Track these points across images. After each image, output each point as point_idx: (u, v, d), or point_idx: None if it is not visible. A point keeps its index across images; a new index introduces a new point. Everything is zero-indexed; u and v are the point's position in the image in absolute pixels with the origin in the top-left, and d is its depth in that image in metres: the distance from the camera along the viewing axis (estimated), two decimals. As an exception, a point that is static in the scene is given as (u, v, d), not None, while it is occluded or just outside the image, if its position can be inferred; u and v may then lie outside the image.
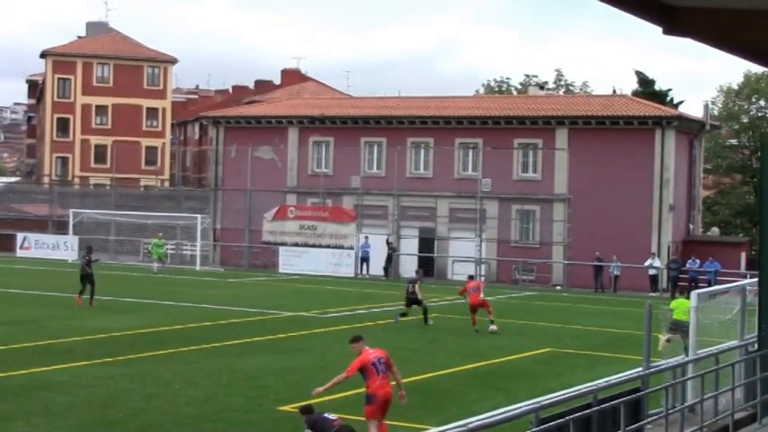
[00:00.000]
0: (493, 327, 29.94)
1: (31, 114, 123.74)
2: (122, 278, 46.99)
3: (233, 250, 59.38)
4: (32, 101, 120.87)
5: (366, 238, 53.92)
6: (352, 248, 53.88)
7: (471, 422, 13.15)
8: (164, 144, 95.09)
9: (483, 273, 52.63)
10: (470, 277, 35.74)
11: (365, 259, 53.62)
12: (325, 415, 13.59)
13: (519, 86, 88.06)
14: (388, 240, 54.31)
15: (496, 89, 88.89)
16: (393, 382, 15.02)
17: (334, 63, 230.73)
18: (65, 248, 57.89)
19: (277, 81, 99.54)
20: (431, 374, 22.30)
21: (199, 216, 57.87)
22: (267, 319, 32.34)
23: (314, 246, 54.78)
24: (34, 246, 59.77)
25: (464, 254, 53.69)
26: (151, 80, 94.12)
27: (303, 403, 14.63)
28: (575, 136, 53.05)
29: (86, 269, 33.97)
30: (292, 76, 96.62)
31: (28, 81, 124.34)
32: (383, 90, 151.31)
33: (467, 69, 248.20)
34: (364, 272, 53.54)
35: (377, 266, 53.48)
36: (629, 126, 52.17)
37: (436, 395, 20.06)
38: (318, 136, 59.13)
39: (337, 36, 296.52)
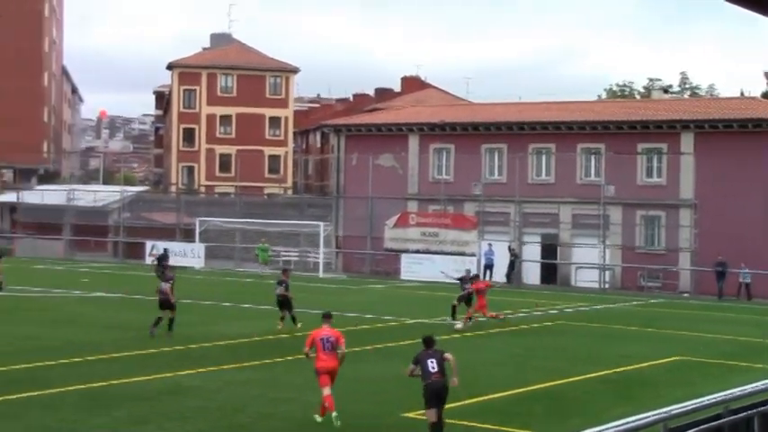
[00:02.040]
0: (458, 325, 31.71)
1: (159, 125, 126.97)
2: (247, 285, 47.80)
3: (355, 257, 59.84)
4: (160, 112, 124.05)
5: (490, 245, 53.70)
6: (473, 255, 53.72)
7: (597, 431, 12.97)
8: (286, 153, 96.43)
9: (607, 280, 51.96)
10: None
11: (489, 266, 53.37)
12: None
13: (642, 90, 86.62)
14: (510, 247, 53.99)
15: (619, 93, 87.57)
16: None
17: (454, 69, 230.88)
18: (192, 256, 59.18)
19: (397, 89, 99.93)
20: (555, 382, 22.10)
21: (321, 224, 58.47)
22: (390, 326, 32.50)
23: (435, 253, 54.79)
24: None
25: (587, 260, 53.06)
26: (273, 90, 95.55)
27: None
28: (701, 140, 51.91)
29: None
30: (413, 84, 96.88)
31: (155, 93, 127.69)
32: (503, 96, 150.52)
33: (588, 74, 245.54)
34: (487, 278, 53.28)
35: (500, 273, 53.22)
36: (758, 129, 50.81)
37: (561, 403, 19.87)
38: (439, 143, 59.19)
39: (457, 42, 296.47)
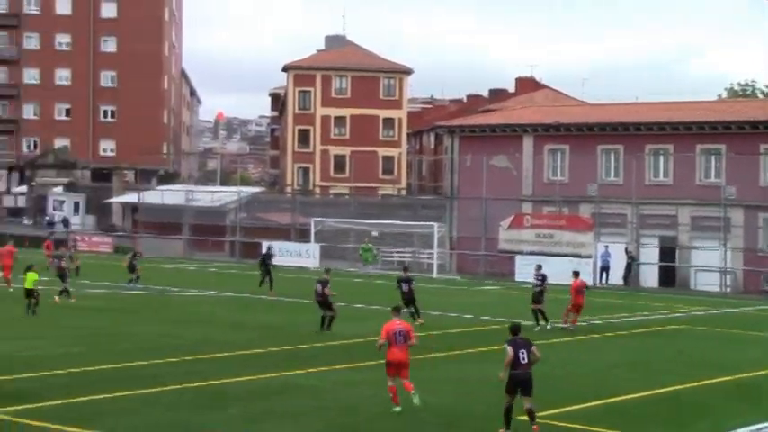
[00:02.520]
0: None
1: (274, 126, 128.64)
2: (362, 285, 47.97)
3: (469, 258, 59.54)
4: (275, 113, 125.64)
5: (606, 247, 52.85)
6: (589, 257, 52.92)
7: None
8: (400, 154, 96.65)
9: (729, 283, 50.62)
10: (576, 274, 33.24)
11: (605, 268, 52.52)
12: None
13: (765, 89, 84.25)
14: (627, 249, 53.03)
15: (740, 93, 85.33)
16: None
17: (568, 70, 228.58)
18: (306, 256, 59.67)
19: (511, 89, 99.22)
20: (679, 386, 21.57)
21: (435, 224, 58.33)
22: (505, 327, 32.11)
23: (551, 254, 54.13)
24: (278, 253, 61.89)
25: (708, 263, 51.78)
26: (387, 91, 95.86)
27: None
28: (827, 139, 50.18)
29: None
30: (527, 84, 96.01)
31: (271, 94, 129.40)
32: (619, 96, 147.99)
33: (705, 74, 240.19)
34: (603, 281, 52.48)
35: (616, 276, 52.33)
36: None
37: (685, 408, 19.39)
38: (554, 144, 58.51)
39: (572, 43, 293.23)
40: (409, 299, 31.62)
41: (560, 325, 31.53)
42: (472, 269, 58.16)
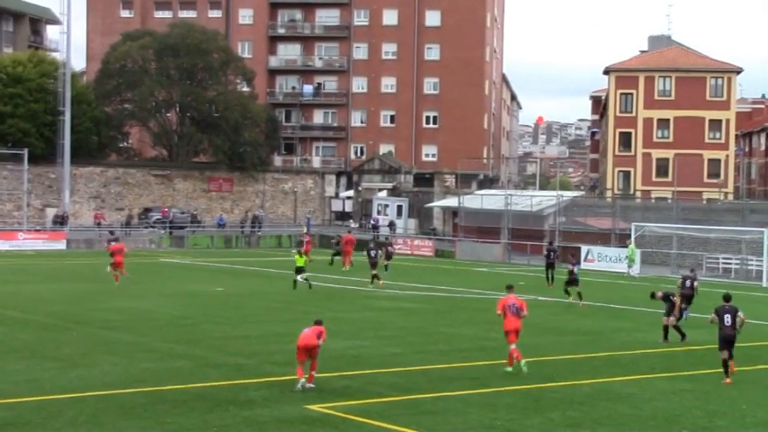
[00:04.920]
0: None
1: (595, 130, 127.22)
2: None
3: (802, 267, 56.02)
4: (596, 116, 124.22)
5: None
6: None
7: None
8: (727, 156, 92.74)
9: None
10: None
11: None
12: None
13: None
14: None
15: None
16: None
17: None
18: (625, 261, 58.45)
19: None
20: None
21: (765, 230, 55.40)
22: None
23: None
24: (597, 258, 61.19)
25: None
26: (714, 91, 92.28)
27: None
28: None
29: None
30: None
31: (592, 97, 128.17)
32: None
33: None
34: None
35: None
36: None
37: None
38: None
39: None
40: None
41: None
42: (805, 278, 54.70)
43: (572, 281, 38.52)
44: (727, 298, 22.07)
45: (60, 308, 33.48)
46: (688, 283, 32.50)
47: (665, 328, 28.19)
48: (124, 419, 17.03)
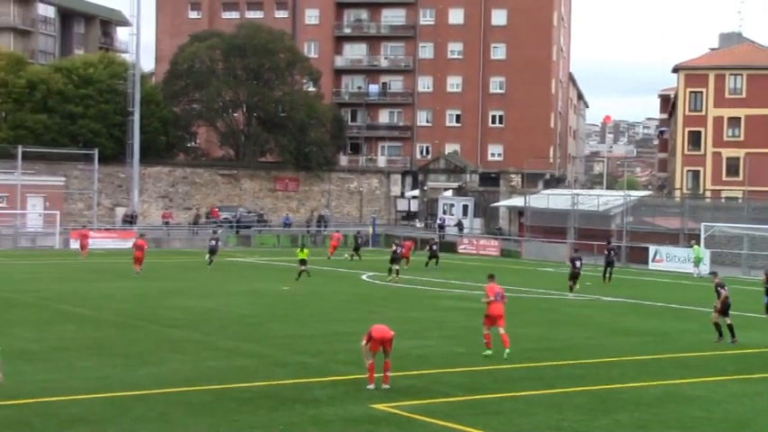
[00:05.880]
0: None
1: (663, 129, 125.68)
2: (754, 294, 45.65)
3: None
4: (664, 115, 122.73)
5: None
6: None
7: None
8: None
9: None
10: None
11: None
12: None
13: None
14: None
15: None
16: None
17: None
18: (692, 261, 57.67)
19: None
20: None
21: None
22: None
23: None
24: (665, 259, 60.47)
25: None
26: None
27: None
28: None
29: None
30: None
31: (660, 96, 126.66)
32: None
33: None
34: None
35: None
36: None
37: None
38: None
39: None
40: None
41: None
42: None
43: (575, 274, 41.67)
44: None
45: (128, 306, 33.94)
46: None
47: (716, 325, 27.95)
48: (192, 417, 17.18)
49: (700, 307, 36.25)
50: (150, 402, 18.11)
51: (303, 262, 45.63)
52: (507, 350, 23.66)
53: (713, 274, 30.35)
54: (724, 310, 27.88)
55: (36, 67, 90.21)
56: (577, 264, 42.08)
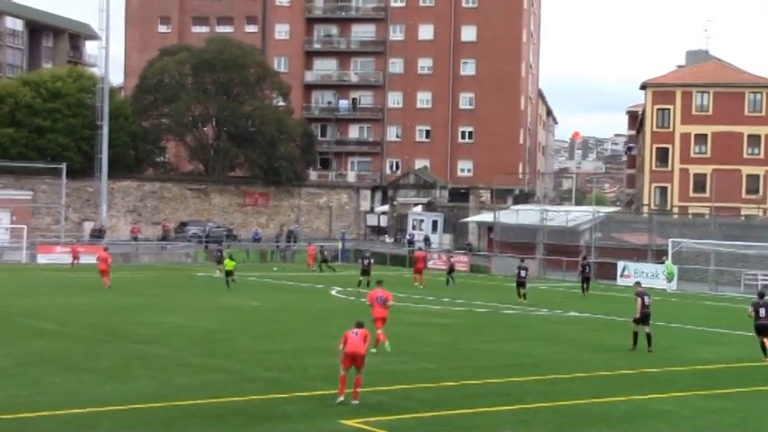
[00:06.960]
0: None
1: (631, 145, 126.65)
2: (721, 309, 46.04)
3: (842, 284, 55.44)
4: (632, 132, 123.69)
5: None
6: None
7: None
8: (766, 172, 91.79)
9: None
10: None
11: None
12: None
13: None
14: None
15: None
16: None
17: None
18: (662, 277, 58.03)
19: None
20: None
21: (803, 247, 54.93)
22: None
23: None
24: (633, 274, 60.74)
25: None
26: (753, 106, 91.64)
27: None
28: None
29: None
30: None
31: (628, 112, 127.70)
32: None
33: None
34: None
35: None
36: None
37: None
38: None
39: None
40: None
41: None
42: None
43: (521, 283, 45.31)
44: (761, 295, 27.35)
45: (96, 320, 33.68)
46: (762, 312, 27.44)
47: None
48: (159, 433, 17.08)
49: (668, 323, 36.44)
50: (117, 418, 17.98)
51: (230, 273, 48.43)
52: (387, 344, 26.40)
53: (637, 283, 30.87)
54: (643, 318, 28.47)
55: (3, 80, 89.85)
56: (522, 273, 45.60)
